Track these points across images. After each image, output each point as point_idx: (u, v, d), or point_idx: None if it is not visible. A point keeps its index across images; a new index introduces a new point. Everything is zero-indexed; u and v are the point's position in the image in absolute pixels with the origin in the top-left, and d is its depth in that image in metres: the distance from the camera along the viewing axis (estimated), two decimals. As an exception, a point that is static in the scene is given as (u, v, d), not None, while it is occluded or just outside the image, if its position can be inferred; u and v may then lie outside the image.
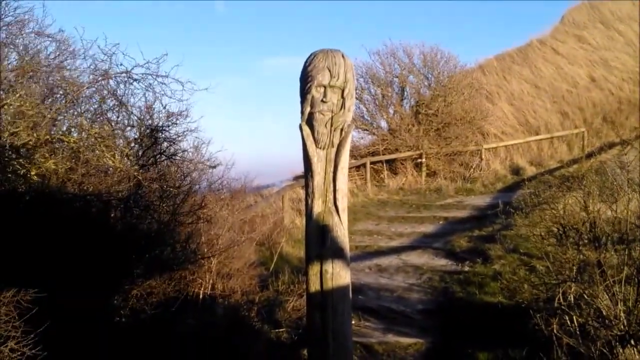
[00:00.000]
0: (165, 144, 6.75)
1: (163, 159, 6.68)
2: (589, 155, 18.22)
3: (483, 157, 20.72)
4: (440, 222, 13.87)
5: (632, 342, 4.80)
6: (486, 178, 19.45)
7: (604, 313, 4.92)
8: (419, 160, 20.23)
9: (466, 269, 9.54)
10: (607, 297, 4.95)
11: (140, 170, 6.00)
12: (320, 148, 4.40)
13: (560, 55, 27.50)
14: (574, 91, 24.93)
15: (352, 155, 20.61)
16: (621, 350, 4.80)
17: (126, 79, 6.40)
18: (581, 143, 21.29)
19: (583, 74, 25.91)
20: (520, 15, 68.67)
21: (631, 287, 4.99)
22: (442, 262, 10.29)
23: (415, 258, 10.70)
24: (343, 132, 4.46)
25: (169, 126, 6.67)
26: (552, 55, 27.64)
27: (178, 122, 6.73)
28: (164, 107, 6.71)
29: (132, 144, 6.62)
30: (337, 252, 4.38)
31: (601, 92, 24.63)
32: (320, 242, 4.36)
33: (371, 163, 19.57)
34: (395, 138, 20.84)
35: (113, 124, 6.61)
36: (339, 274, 4.36)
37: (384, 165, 20.38)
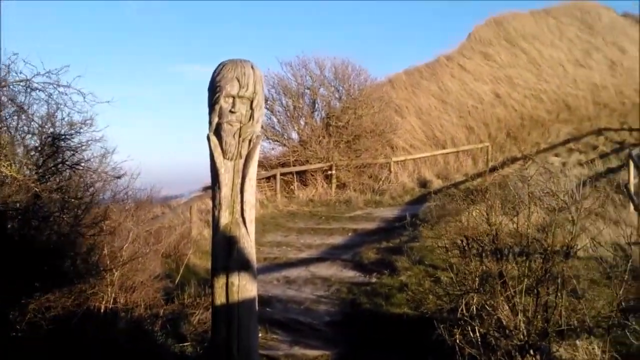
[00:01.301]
0: (68, 152, 6.51)
1: (65, 168, 6.43)
2: (493, 169, 18.81)
3: (392, 169, 21.07)
4: (349, 234, 13.96)
5: (532, 352, 4.95)
6: (395, 190, 19.75)
7: (505, 323, 5.06)
8: (329, 172, 20.35)
9: (374, 280, 9.63)
10: (508, 307, 5.10)
11: (40, 180, 5.76)
12: (228, 159, 4.35)
13: (466, 71, 28.31)
14: (479, 107, 25.71)
15: (263, 166, 20.54)
16: (520, 360, 4.95)
17: (25, 87, 6.14)
18: (485, 157, 22.00)
19: (488, 90, 26.75)
20: (430, 31, 70.61)
21: (531, 298, 5.15)
22: (350, 274, 10.35)
23: (324, 270, 10.73)
24: (251, 143, 4.43)
25: (71, 134, 6.43)
26: (459, 71, 28.43)
27: (82, 130, 6.50)
28: (68, 115, 6.47)
29: (32, 153, 6.35)
30: (243, 264, 4.33)
31: (505, 109, 25.51)
32: (226, 254, 4.31)
33: (281, 174, 19.53)
34: (306, 149, 20.90)
35: (12, 131, 6.32)
36: (245, 287, 4.31)
37: (295, 176, 20.38)
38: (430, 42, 70.41)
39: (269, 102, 21.87)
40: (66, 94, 6.22)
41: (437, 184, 20.10)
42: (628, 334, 5.38)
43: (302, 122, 22.20)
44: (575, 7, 33.50)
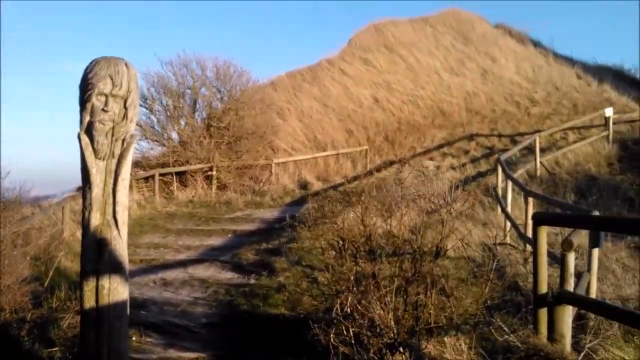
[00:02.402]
0: None
1: None
2: (371, 172, 19.28)
3: (273, 171, 21.19)
4: (229, 235, 13.91)
5: (401, 349, 5.11)
6: (275, 192, 19.85)
7: (376, 322, 5.20)
8: (210, 173, 20.20)
9: (252, 281, 9.63)
10: (380, 306, 5.24)
11: None
12: (100, 159, 4.25)
13: (347, 76, 28.85)
14: (359, 111, 26.27)
15: (141, 166, 20.17)
16: (391, 357, 5.10)
17: None
18: (364, 160, 22.52)
19: (367, 95, 27.38)
20: (312, 34, 71.41)
21: (401, 297, 5.33)
22: (228, 275, 10.31)
23: (202, 271, 10.63)
24: (125, 143, 4.34)
25: None
26: (340, 75, 28.92)
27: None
28: None
29: None
30: (115, 267, 4.23)
31: (383, 113, 26.19)
32: (97, 256, 4.20)
33: (160, 175, 19.18)
34: (186, 150, 20.63)
35: None
36: (116, 290, 4.21)
37: (174, 177, 20.08)
38: (312, 46, 71.28)
39: (148, 101, 21.45)
40: None
41: (317, 185, 20.39)
42: (493, 330, 5.65)
43: (183, 122, 21.92)
44: (451, 16, 34.82)
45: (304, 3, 75.80)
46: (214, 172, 20.10)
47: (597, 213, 7.34)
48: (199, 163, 20.31)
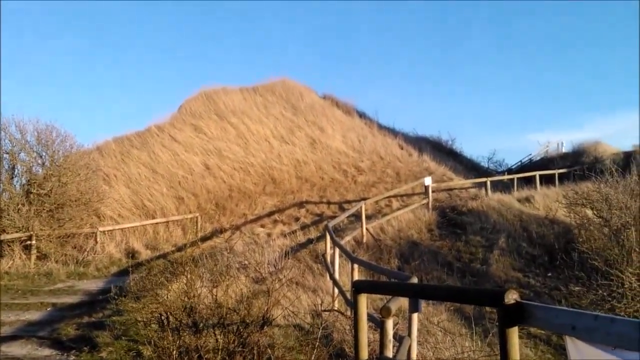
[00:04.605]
0: None
1: None
2: (200, 241, 19.10)
3: (98, 239, 20.38)
4: (49, 309, 13.10)
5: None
6: (100, 261, 19.12)
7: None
8: (29, 242, 19.04)
9: (72, 358, 9.10)
10: (205, 380, 5.13)
11: None
12: None
13: (177, 142, 28.64)
14: (189, 177, 26.07)
15: (-51, 237, 18.67)
16: None
17: None
18: (195, 227, 22.26)
19: (198, 162, 27.28)
20: (141, 101, 70.47)
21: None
22: (46, 352, 9.66)
23: (17, 349, 9.88)
24: None
25: None
26: (170, 142, 28.66)
27: None
28: None
29: None
30: None
31: (214, 180, 26.17)
32: None
33: (-27, 245, 17.86)
34: (3, 218, 19.36)
35: None
36: None
37: (-12, 247, 18.74)
38: (141, 112, 70.31)
39: (-40, 166, 20.02)
40: None
41: (145, 254, 19.87)
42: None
43: (-1, 189, 20.61)
44: (280, 86, 35.85)
45: (132, 67, 74.91)
46: (34, 242, 18.96)
47: (415, 280, 7.67)
48: (17, 232, 19.12)
